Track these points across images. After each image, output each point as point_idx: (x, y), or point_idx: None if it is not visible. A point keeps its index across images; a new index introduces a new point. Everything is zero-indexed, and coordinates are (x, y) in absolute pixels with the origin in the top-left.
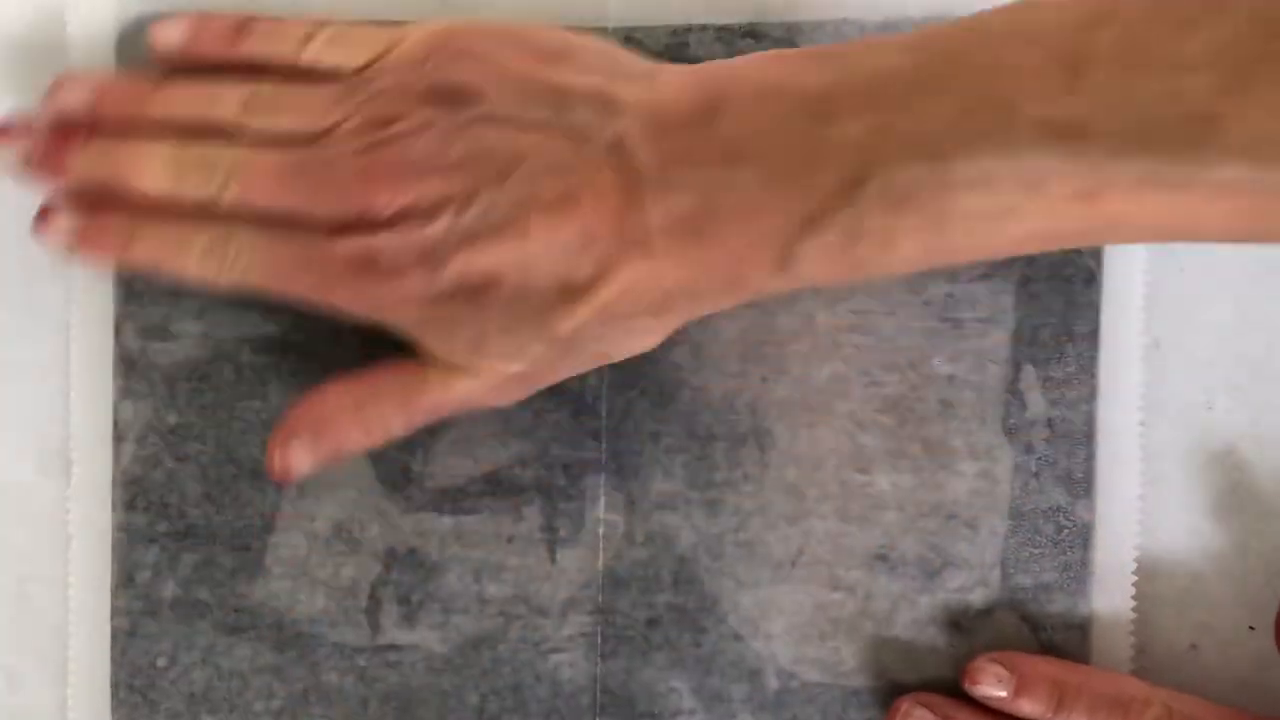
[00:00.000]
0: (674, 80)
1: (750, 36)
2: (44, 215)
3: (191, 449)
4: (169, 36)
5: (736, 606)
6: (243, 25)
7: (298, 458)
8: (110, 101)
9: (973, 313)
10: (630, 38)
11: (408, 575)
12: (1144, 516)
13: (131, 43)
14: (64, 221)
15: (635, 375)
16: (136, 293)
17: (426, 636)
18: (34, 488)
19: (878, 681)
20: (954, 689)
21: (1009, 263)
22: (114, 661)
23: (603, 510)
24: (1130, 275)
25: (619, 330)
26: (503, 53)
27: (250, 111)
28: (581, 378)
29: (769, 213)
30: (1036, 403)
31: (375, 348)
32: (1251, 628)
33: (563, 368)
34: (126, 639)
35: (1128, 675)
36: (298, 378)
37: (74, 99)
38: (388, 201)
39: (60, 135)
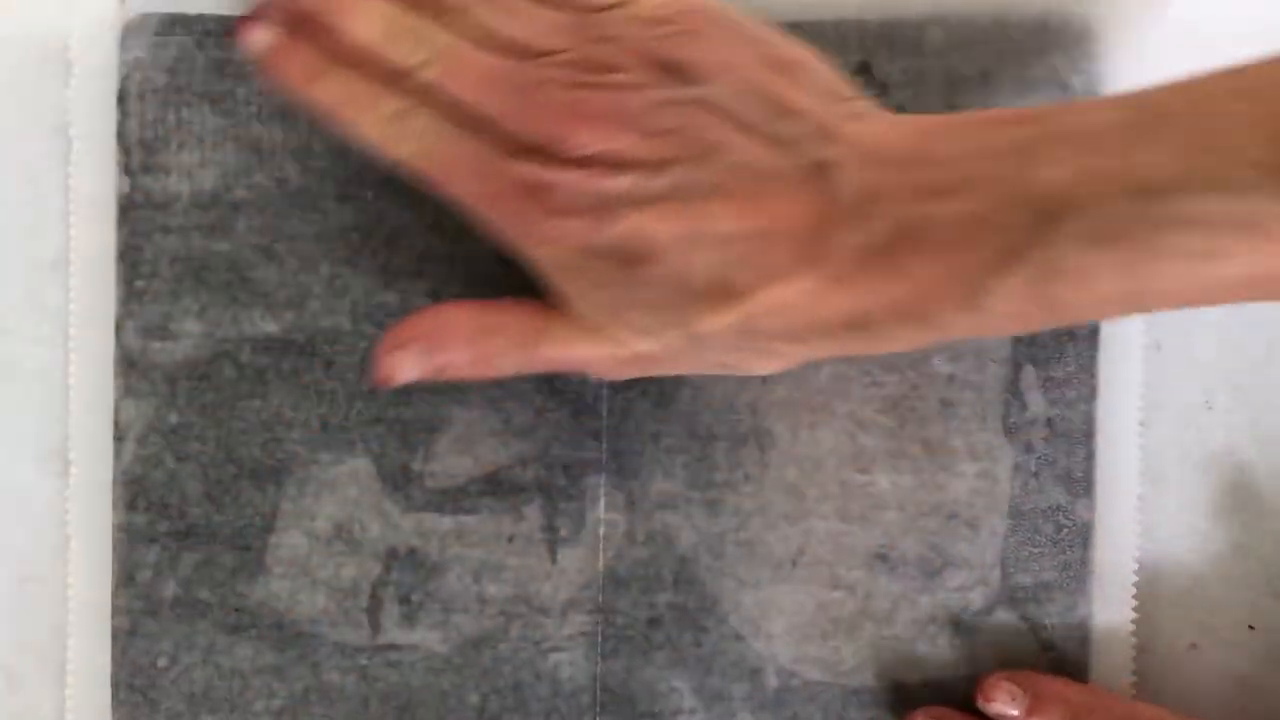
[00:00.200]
0: (888, 122)
1: None
2: (247, 21)
3: (192, 448)
4: None
5: (737, 606)
6: None
7: (404, 366)
8: None
9: None
10: None
11: (408, 575)
12: (1144, 516)
13: (133, 42)
14: (263, 32)
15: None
16: (136, 293)
17: (427, 636)
18: (34, 488)
19: (878, 681)
20: (954, 689)
21: None
22: (114, 661)
23: (603, 510)
24: None
25: (754, 345)
26: (740, 47)
27: (479, 4)
28: (582, 377)
29: (965, 248)
30: (1036, 402)
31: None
32: (1251, 627)
33: (684, 362)
34: (127, 639)
35: (1143, 703)
36: (298, 378)
37: None
38: (583, 141)
39: None
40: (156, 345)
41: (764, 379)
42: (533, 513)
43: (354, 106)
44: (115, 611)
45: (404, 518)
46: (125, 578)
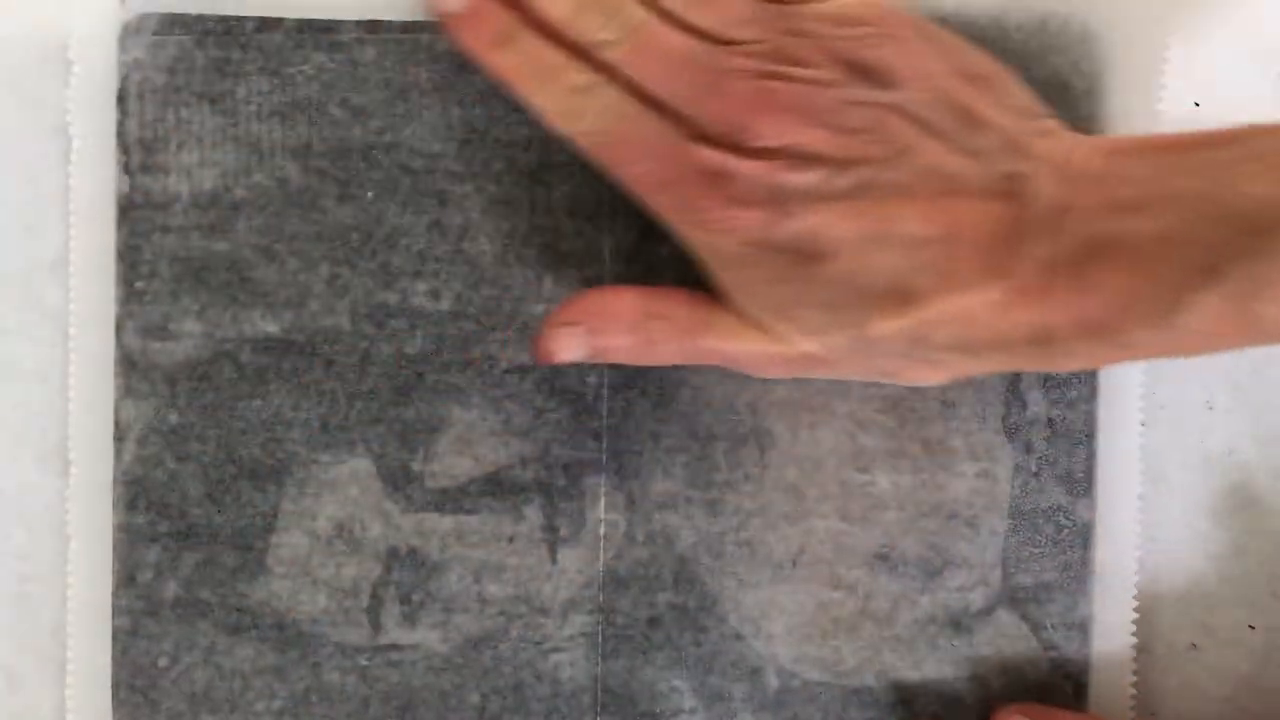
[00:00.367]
0: (1077, 141)
1: None
2: None
3: (192, 449)
4: None
5: (737, 606)
6: None
7: (567, 345)
8: None
9: None
10: None
11: (409, 575)
12: (1144, 516)
13: (133, 42)
14: None
15: (635, 375)
16: (137, 293)
17: (427, 636)
18: (34, 488)
19: (878, 681)
20: (954, 689)
21: None
22: (115, 661)
23: (603, 510)
24: None
25: (923, 354)
26: (934, 56)
27: None
28: (582, 377)
29: (1160, 263)
30: (1036, 402)
31: (376, 344)
32: (1251, 627)
33: (846, 366)
34: (127, 639)
35: None
36: (298, 377)
37: None
38: (770, 132)
39: None
40: (156, 345)
41: (763, 379)
42: (533, 513)
43: (537, 77)
44: (116, 611)
45: (404, 518)
46: (126, 578)
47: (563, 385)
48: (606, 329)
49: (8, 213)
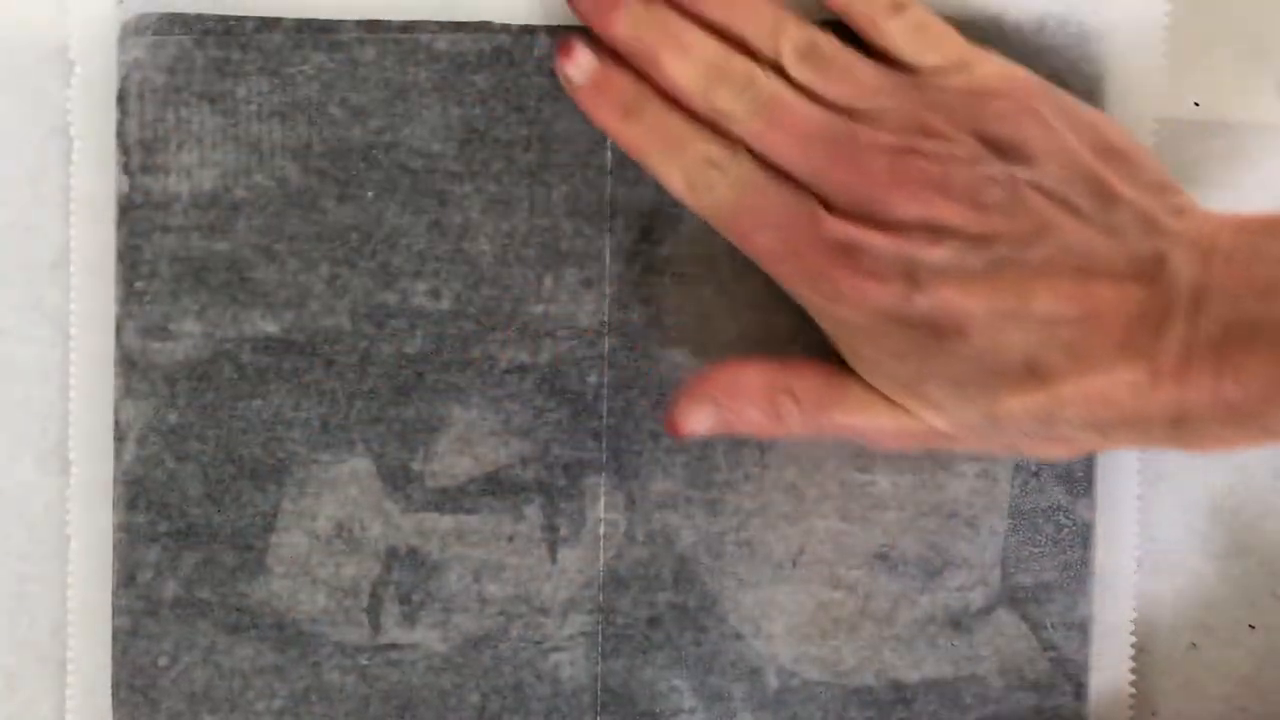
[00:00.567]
0: (1212, 218)
1: None
2: (568, 47)
3: (192, 448)
4: None
5: (737, 605)
6: None
7: (699, 419)
8: None
9: None
10: None
11: (408, 575)
12: (1144, 516)
13: (132, 42)
14: (584, 59)
15: (635, 375)
16: (137, 293)
17: (427, 636)
18: (34, 487)
19: (878, 681)
20: (954, 689)
21: None
22: (115, 661)
23: (603, 510)
24: None
25: (1052, 431)
26: (1068, 130)
27: (805, 59)
28: (582, 377)
29: None
30: None
31: (376, 344)
32: (1252, 627)
33: (973, 441)
34: (127, 638)
35: None
36: (298, 377)
37: None
38: (905, 207)
39: None
40: (156, 345)
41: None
42: (533, 513)
43: (665, 149)
44: (116, 611)
45: (404, 517)
46: (125, 578)
47: (563, 385)
48: (736, 404)
49: (8, 213)
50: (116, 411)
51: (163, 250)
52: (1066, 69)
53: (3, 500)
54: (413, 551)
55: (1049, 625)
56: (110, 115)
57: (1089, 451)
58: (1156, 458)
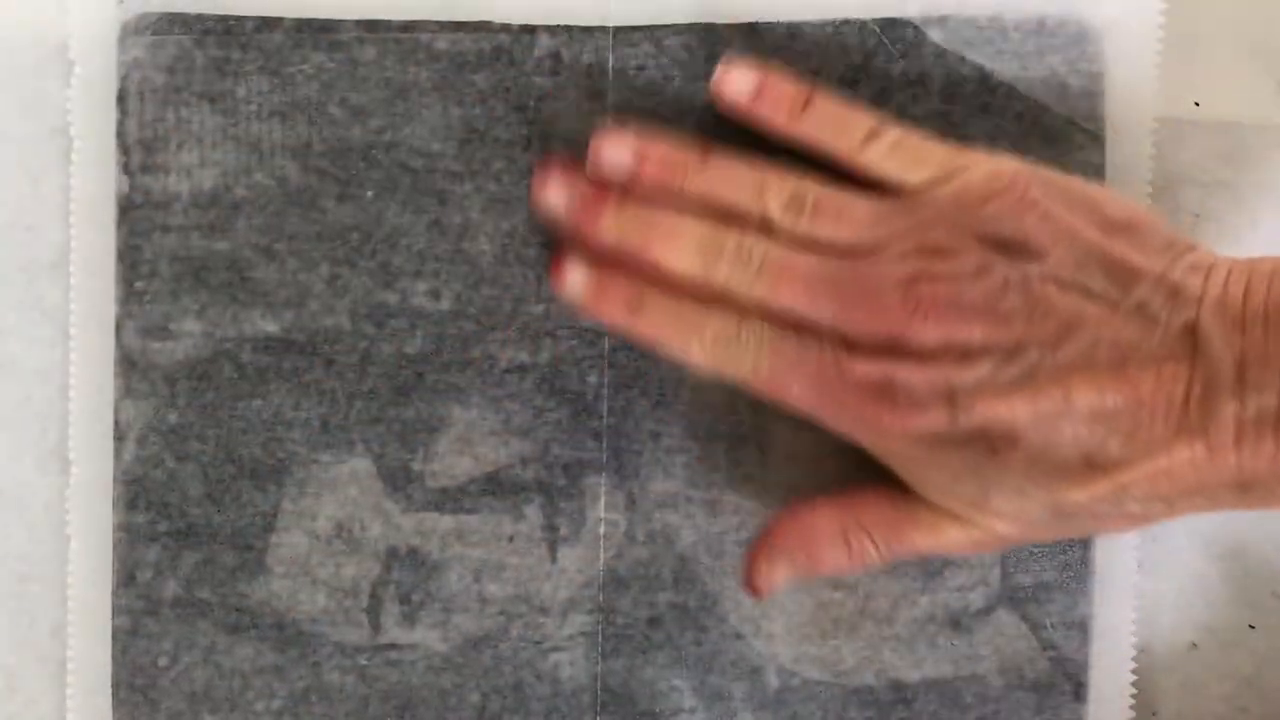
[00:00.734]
0: (1237, 273)
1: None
2: (558, 267)
3: (192, 448)
4: (740, 88)
5: (738, 605)
6: (808, 100)
7: (778, 576)
8: (651, 167)
9: None
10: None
11: (408, 575)
12: None
13: (132, 42)
14: (576, 275)
15: (635, 375)
16: (136, 293)
17: (427, 636)
18: (34, 487)
19: (878, 680)
20: (954, 689)
21: None
22: (115, 661)
23: (603, 510)
24: None
25: (1121, 511)
26: (1070, 214)
27: (791, 210)
28: (582, 377)
29: None
30: None
31: (376, 344)
32: (1252, 627)
33: (1049, 533)
34: (127, 638)
35: None
36: (298, 377)
37: (615, 159)
38: (928, 335)
39: (595, 193)
40: (156, 345)
41: None
42: (533, 512)
43: (680, 335)
44: (115, 611)
45: (404, 517)
46: (125, 577)
47: (563, 385)
48: (812, 551)
49: (8, 213)
50: (116, 411)
51: (163, 250)
52: (1066, 69)
53: (3, 500)
54: (413, 551)
55: (1049, 625)
56: (110, 115)
57: (1159, 521)
58: None
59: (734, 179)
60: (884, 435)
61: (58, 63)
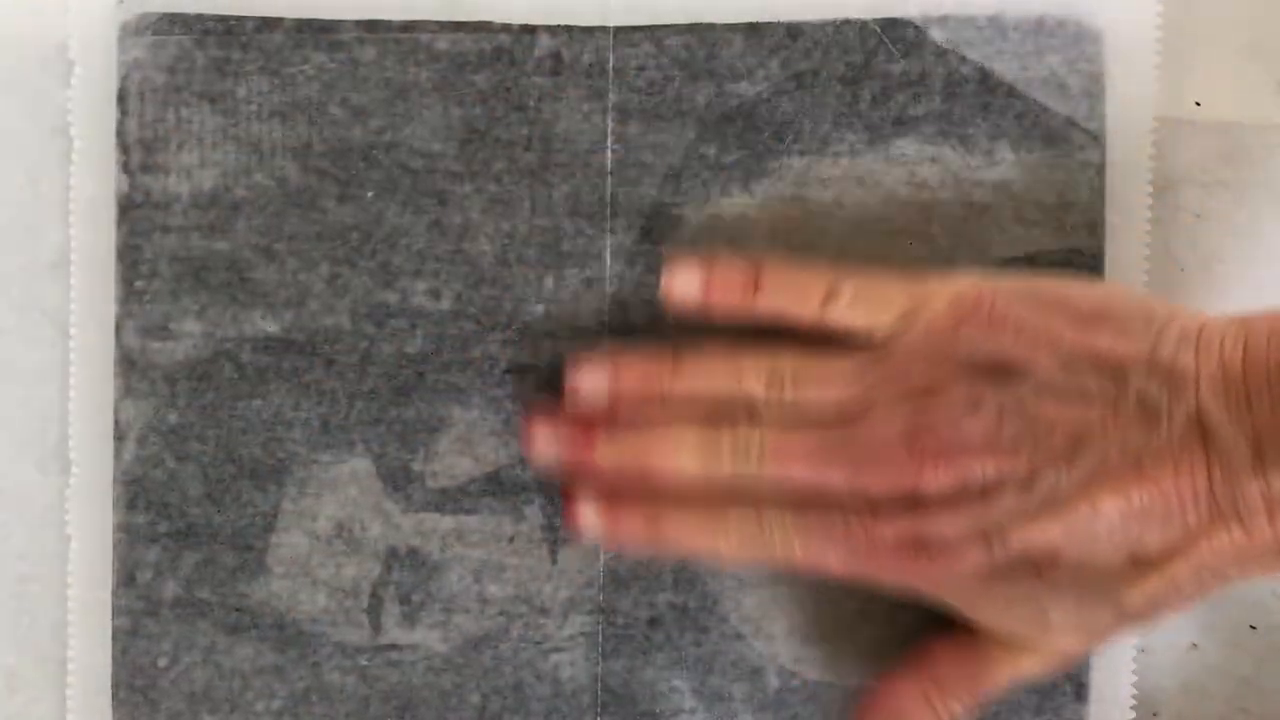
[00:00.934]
0: (1231, 338)
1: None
2: (570, 507)
3: (192, 448)
4: (687, 288)
5: (738, 605)
6: (755, 275)
7: None
8: (628, 385)
9: None
10: (630, 39)
11: (409, 575)
12: None
13: (132, 42)
14: (591, 515)
15: None
16: (136, 292)
17: (427, 636)
18: (34, 488)
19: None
20: None
21: (1010, 262)
22: (115, 661)
23: None
24: (1130, 276)
25: (1182, 596)
26: (1040, 319)
27: (774, 388)
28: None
29: None
30: None
31: (377, 344)
32: (1252, 627)
33: (1116, 635)
34: (127, 638)
35: None
36: (298, 377)
37: (590, 387)
38: (940, 482)
39: (583, 430)
40: (156, 345)
41: None
42: (533, 513)
43: (703, 537)
44: (115, 611)
45: (404, 518)
46: (125, 578)
47: (563, 386)
48: None
49: (8, 213)
50: (116, 411)
51: (163, 250)
52: (1065, 69)
53: (3, 500)
54: (413, 552)
55: None
56: (110, 115)
57: (1218, 591)
58: None
59: (710, 373)
60: (930, 583)
61: (58, 63)
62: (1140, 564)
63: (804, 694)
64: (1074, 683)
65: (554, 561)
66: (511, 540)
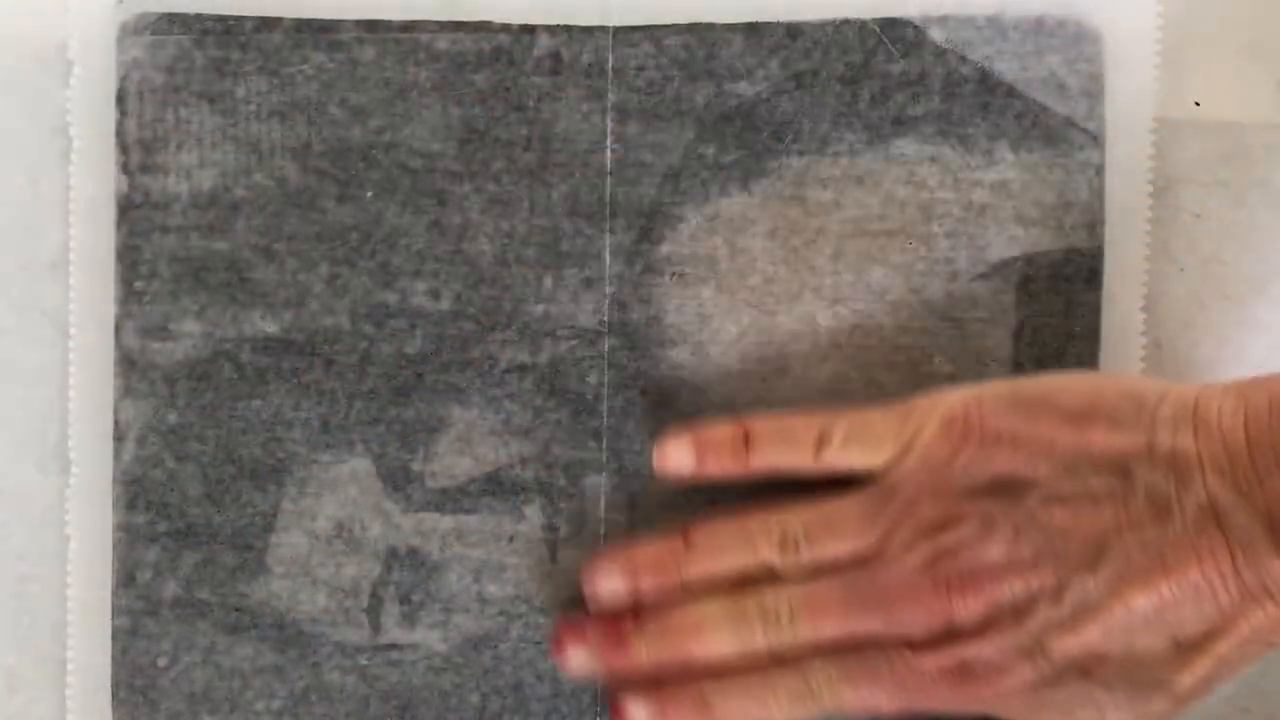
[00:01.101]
0: (1229, 412)
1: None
2: (618, 709)
3: (192, 448)
4: (680, 462)
5: None
6: (745, 435)
7: None
8: (647, 577)
9: (973, 312)
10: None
11: (408, 575)
12: None
13: (131, 42)
14: (640, 712)
15: (635, 375)
16: (136, 293)
17: (427, 636)
18: (34, 488)
19: None
20: None
21: (1009, 262)
22: (115, 661)
23: (603, 510)
24: (1130, 275)
25: (1235, 670)
26: (1032, 426)
27: (789, 550)
28: (582, 377)
29: None
30: None
31: (376, 344)
32: None
33: (1179, 713)
34: (127, 638)
35: None
36: (298, 377)
37: (610, 589)
38: (975, 610)
39: (613, 634)
40: (156, 345)
41: (763, 378)
42: (533, 513)
43: (754, 707)
44: (115, 611)
45: (404, 518)
46: (125, 578)
47: (563, 385)
48: None
49: (8, 213)
50: (116, 411)
51: (162, 250)
52: (1065, 69)
53: (3, 500)
54: (413, 551)
55: None
56: (109, 115)
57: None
58: None
59: (722, 547)
60: (984, 704)
61: (57, 62)
62: (1184, 648)
63: None
64: None
65: (554, 561)
66: (511, 540)
